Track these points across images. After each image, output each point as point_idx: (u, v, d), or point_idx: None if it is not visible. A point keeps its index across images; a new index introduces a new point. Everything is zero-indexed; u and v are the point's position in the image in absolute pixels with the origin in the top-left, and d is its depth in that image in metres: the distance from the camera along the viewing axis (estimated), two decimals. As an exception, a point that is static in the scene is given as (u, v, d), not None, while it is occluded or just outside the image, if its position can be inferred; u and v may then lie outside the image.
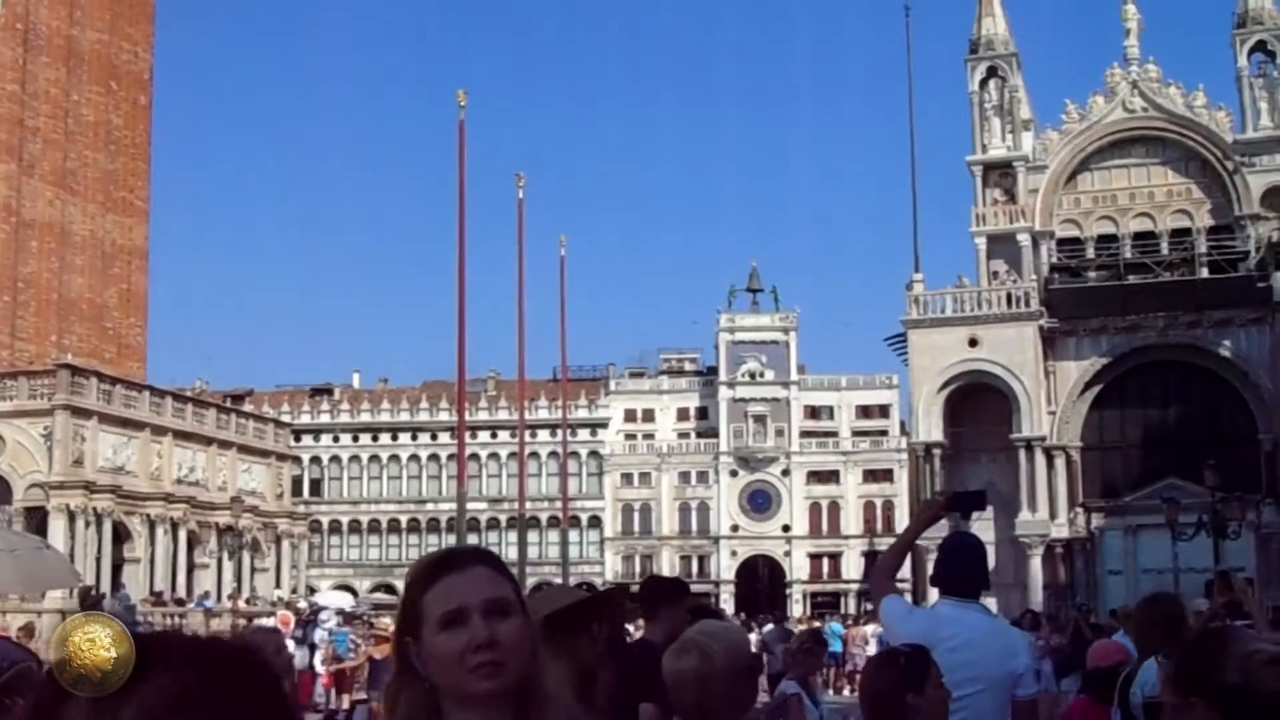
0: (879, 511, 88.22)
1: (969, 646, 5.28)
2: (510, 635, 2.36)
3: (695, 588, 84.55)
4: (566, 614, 4.19)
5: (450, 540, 75.81)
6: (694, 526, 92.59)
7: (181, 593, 50.15)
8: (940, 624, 5.50)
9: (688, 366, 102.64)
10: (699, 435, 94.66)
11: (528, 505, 70.22)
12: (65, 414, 46.72)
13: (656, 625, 6.33)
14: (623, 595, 5.23)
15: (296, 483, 73.03)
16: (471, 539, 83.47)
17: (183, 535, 51.60)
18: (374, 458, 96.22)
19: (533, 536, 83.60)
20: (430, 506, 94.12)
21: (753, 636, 31.88)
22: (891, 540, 8.33)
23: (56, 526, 45.42)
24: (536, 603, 4.35)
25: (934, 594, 6.01)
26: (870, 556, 79.42)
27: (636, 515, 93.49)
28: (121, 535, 49.07)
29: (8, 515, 45.35)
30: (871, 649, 31.40)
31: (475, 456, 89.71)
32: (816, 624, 44.52)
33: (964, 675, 4.97)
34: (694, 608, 6.38)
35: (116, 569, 48.44)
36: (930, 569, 6.45)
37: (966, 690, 4.98)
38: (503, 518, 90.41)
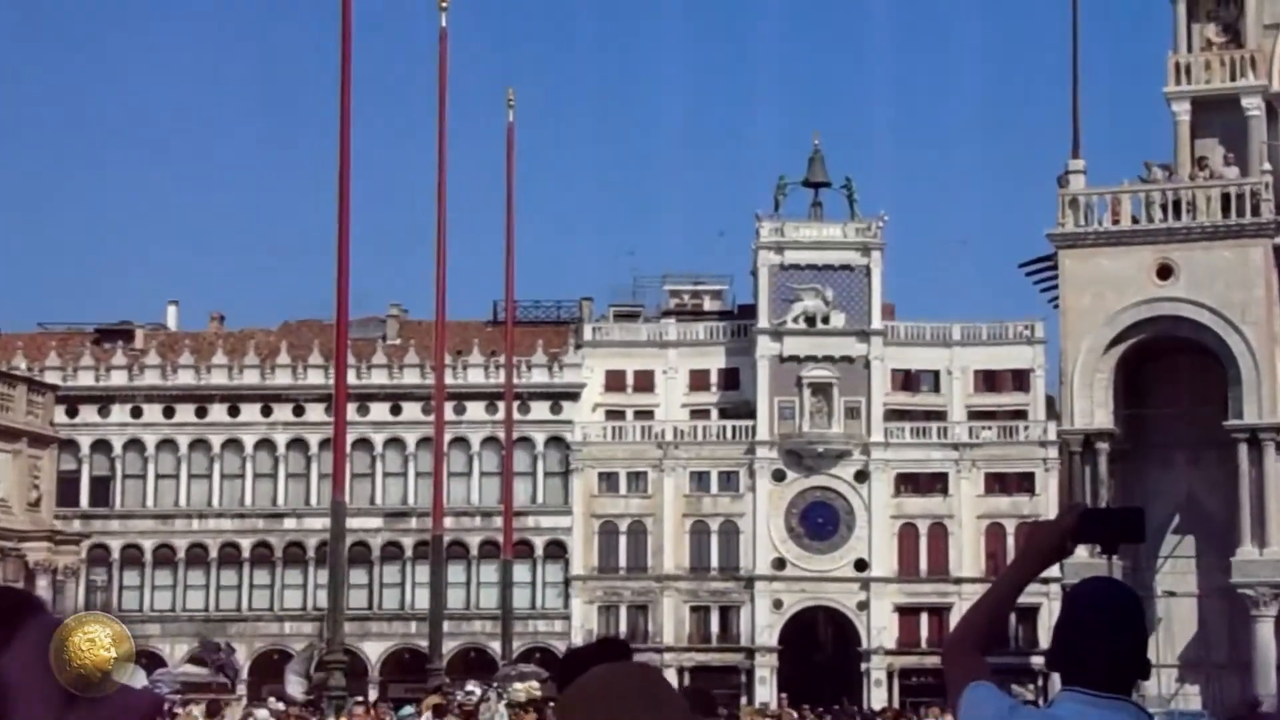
0: (1010, 541, 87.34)
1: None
2: None
3: (717, 657, 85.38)
4: None
5: (322, 579, 74.82)
6: (714, 560, 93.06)
7: None
8: None
9: (709, 304, 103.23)
10: (725, 414, 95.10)
11: (448, 523, 69.27)
12: None
13: None
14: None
15: (69, 484, 72.05)
16: (357, 576, 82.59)
17: None
18: (199, 443, 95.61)
19: (456, 573, 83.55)
20: (290, 524, 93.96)
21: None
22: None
23: None
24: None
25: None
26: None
27: (623, 540, 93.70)
28: None
29: None
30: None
31: (365, 442, 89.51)
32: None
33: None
34: (693, 692, 5.48)
35: None
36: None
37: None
38: (408, 542, 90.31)
